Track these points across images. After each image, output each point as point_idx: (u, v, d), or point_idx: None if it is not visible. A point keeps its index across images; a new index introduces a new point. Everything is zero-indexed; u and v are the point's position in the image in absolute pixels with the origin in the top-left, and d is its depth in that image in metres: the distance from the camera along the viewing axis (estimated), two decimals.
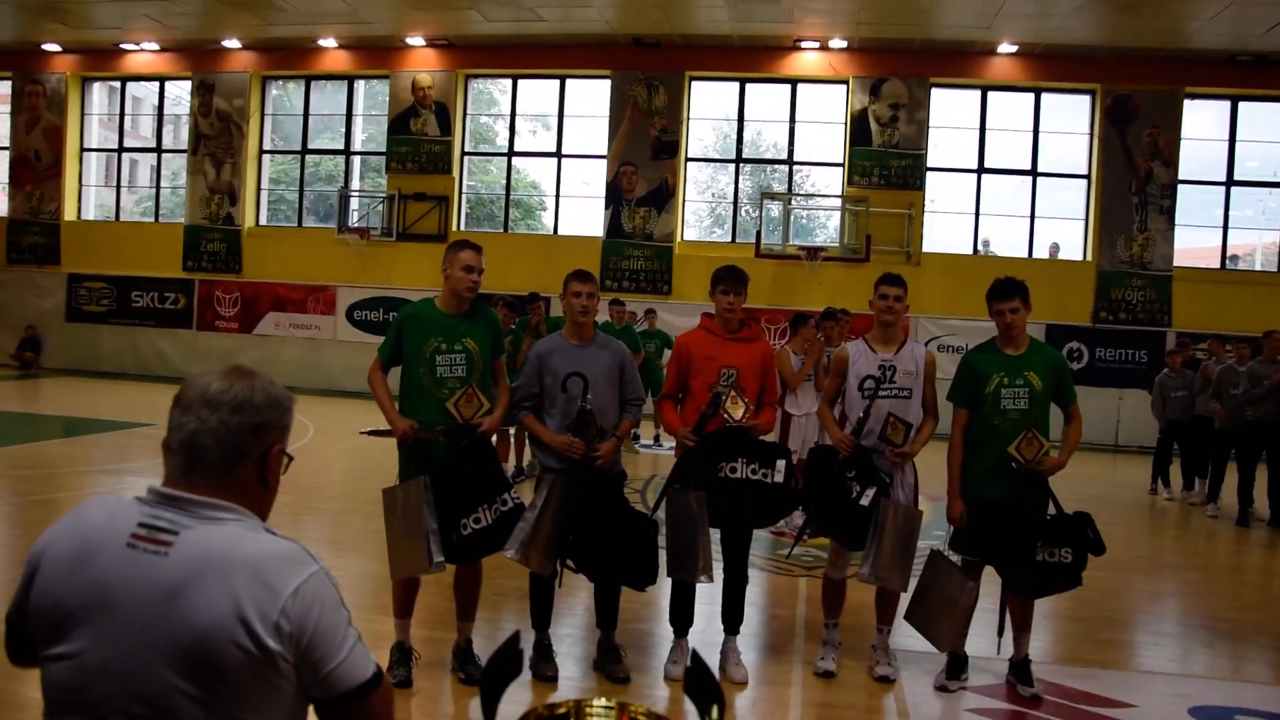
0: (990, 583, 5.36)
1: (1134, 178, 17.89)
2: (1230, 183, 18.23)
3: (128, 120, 22.98)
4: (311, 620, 1.67)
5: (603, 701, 1.15)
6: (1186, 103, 17.96)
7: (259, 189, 21.47)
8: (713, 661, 5.29)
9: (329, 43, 20.07)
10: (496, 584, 6.20)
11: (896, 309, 5.30)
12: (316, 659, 1.68)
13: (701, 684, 1.11)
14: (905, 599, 5.41)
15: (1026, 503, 5.02)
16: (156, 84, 22.17)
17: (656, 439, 14.28)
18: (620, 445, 5.14)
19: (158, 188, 22.59)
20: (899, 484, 5.25)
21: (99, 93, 22.96)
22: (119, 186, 22.77)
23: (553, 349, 5.11)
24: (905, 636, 5.97)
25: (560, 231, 20.17)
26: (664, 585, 5.35)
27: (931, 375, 5.37)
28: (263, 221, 21.59)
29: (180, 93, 22.19)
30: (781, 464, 5.09)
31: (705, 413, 5.07)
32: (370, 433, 5.32)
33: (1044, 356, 5.29)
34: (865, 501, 5.09)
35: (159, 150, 22.51)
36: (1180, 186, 17.93)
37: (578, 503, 4.85)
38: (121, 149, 22.76)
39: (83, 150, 22.42)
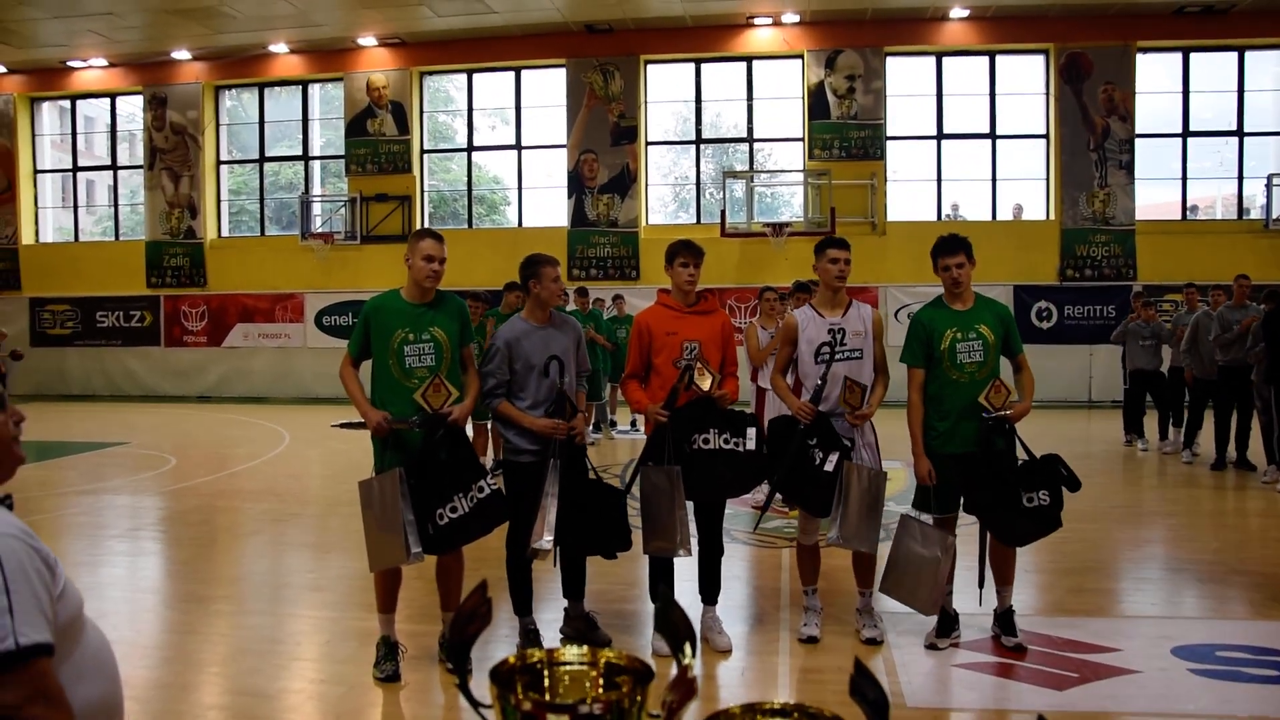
0: (966, 538, 5.39)
1: (1092, 134, 18.02)
2: (1186, 134, 18.39)
3: (80, 139, 22.70)
4: None
5: (575, 649, 1.15)
6: (1139, 57, 18.09)
7: (219, 200, 21.29)
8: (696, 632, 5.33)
9: (280, 48, 19.87)
10: (479, 573, 6.19)
11: (847, 271, 5.33)
12: None
13: (672, 622, 1.11)
14: (879, 571, 5.43)
15: (999, 451, 5.07)
16: (107, 101, 21.89)
17: (634, 423, 14.27)
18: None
19: (116, 206, 22.33)
20: (860, 446, 5.27)
21: (49, 113, 22.65)
22: (76, 207, 22.51)
23: (519, 334, 5.08)
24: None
25: (525, 224, 20.11)
26: (643, 563, 5.37)
27: (879, 334, 5.40)
28: (225, 233, 21.41)
29: (132, 108, 21.92)
30: (752, 432, 5.12)
31: (676, 386, 5.09)
32: (342, 425, 5.31)
33: (991, 310, 5.35)
34: (829, 467, 5.11)
35: (114, 168, 22.24)
36: (1138, 140, 18.07)
37: (561, 480, 4.90)
38: (76, 169, 22.48)
39: (36, 172, 22.13)
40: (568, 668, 1.15)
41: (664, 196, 20.51)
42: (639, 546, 5.16)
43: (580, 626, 5.32)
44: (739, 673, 4.99)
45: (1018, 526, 5.13)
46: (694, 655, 1.11)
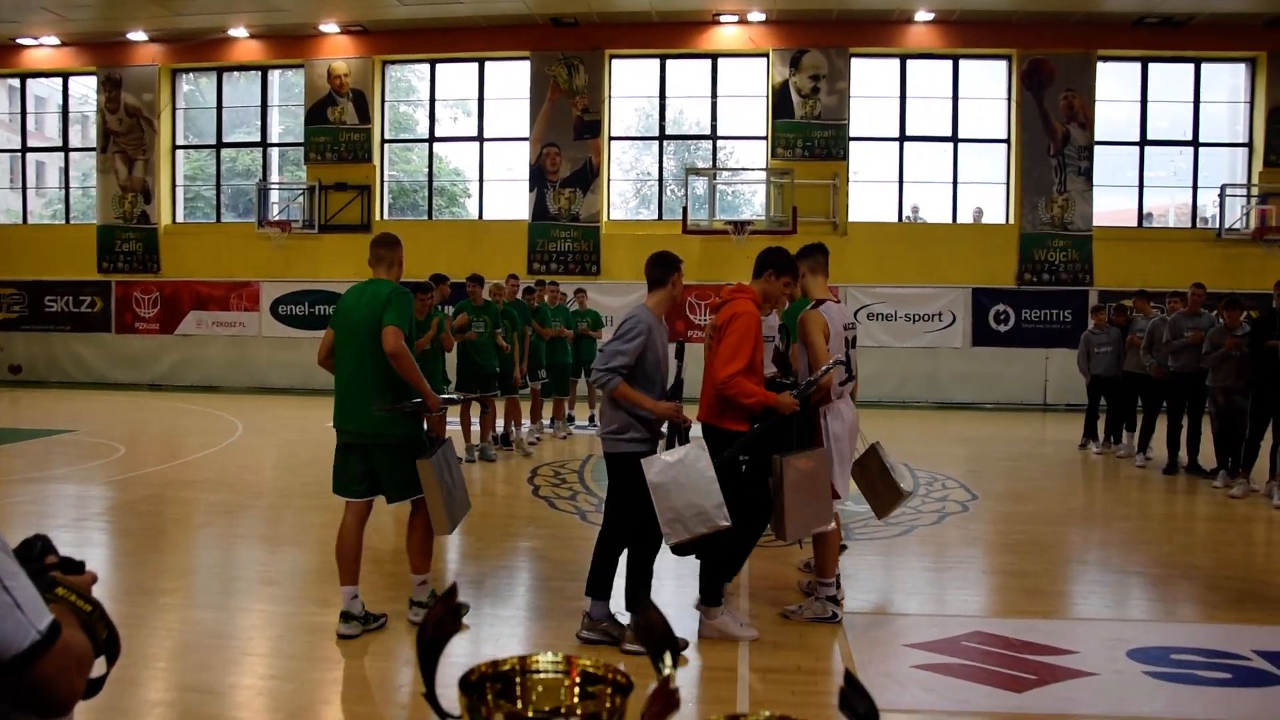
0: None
1: (1052, 140, 18.20)
2: (1144, 143, 18.64)
3: (31, 119, 22.19)
4: None
5: (550, 656, 1.09)
6: (1099, 65, 18.30)
7: (174, 186, 20.92)
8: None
9: (240, 32, 19.55)
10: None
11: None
12: None
13: (651, 629, 1.05)
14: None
15: None
16: (59, 81, 21.42)
17: (592, 419, 14.18)
18: None
19: (67, 188, 21.86)
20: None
21: None
22: (25, 188, 21.97)
23: (654, 324, 5.15)
24: (850, 599, 6.00)
25: (485, 216, 19.96)
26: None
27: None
28: (180, 219, 21.05)
29: (85, 89, 21.48)
30: None
31: (818, 378, 5.39)
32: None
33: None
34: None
35: (66, 150, 21.77)
36: (1097, 148, 18.29)
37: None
38: (25, 149, 21.94)
39: None
40: (541, 676, 1.09)
41: (625, 192, 20.44)
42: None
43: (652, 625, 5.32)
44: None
45: None
46: (674, 665, 1.05)
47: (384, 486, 5.39)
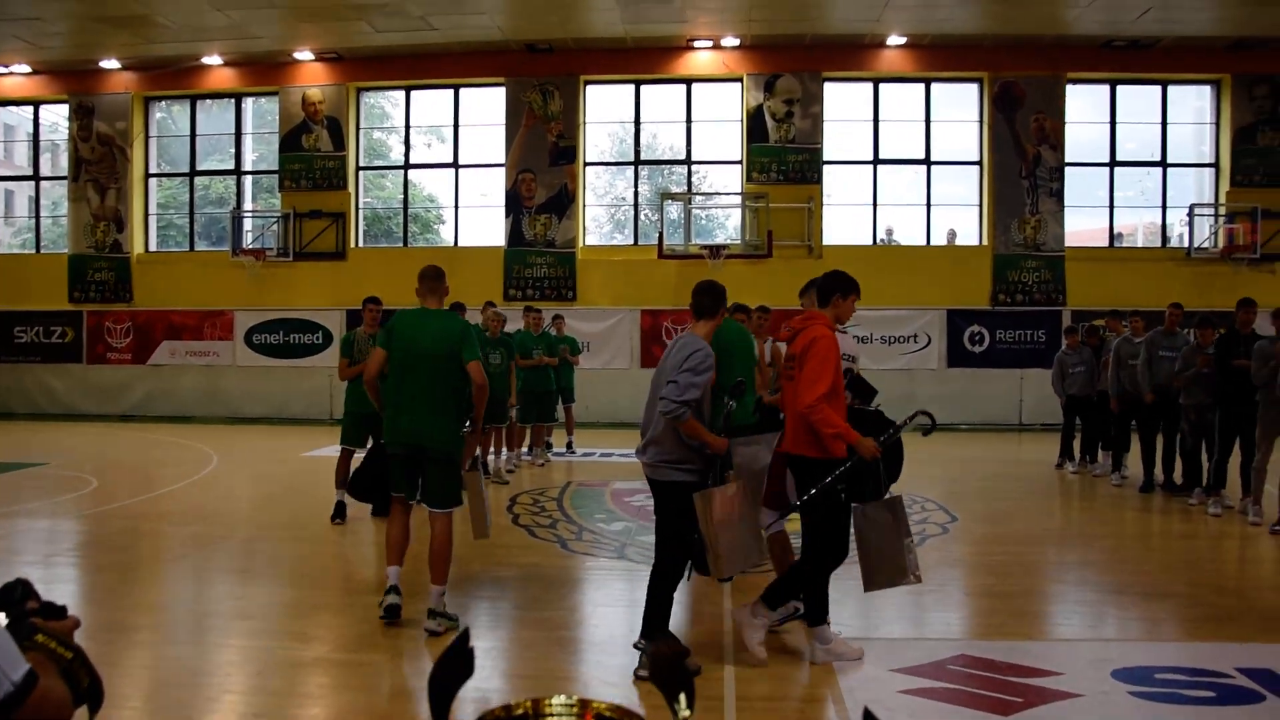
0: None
1: (1023, 162, 18.39)
2: (1113, 164, 18.87)
3: (0, 148, 21.98)
4: None
5: (563, 699, 1.07)
6: (1069, 88, 18.54)
7: (147, 214, 20.75)
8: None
9: (214, 60, 19.48)
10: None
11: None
12: None
13: (667, 669, 1.04)
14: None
15: None
16: (30, 109, 21.26)
17: (569, 445, 14.16)
18: None
19: (37, 217, 21.64)
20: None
21: None
22: None
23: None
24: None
25: (461, 243, 19.92)
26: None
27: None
28: (152, 247, 20.88)
29: (57, 117, 21.33)
30: None
31: (901, 427, 5.54)
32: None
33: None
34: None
35: (36, 178, 21.57)
36: (1067, 169, 18.49)
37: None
38: None
39: None
40: (554, 719, 1.07)
41: (600, 217, 20.47)
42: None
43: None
44: None
45: None
46: (691, 705, 1.04)
47: (428, 495, 5.89)
